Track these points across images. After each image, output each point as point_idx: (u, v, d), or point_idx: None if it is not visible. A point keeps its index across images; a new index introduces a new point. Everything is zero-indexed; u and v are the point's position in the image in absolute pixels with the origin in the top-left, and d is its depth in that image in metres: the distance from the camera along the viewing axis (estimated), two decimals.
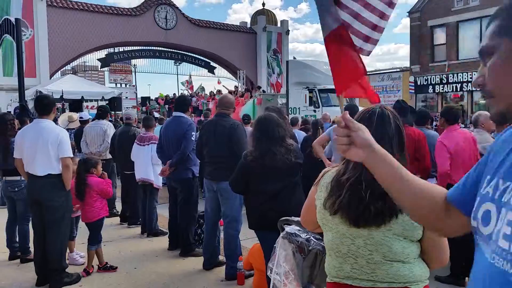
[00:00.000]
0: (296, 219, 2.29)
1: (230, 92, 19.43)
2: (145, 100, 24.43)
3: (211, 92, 22.15)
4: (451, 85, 22.07)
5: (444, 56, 22.65)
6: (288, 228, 2.40)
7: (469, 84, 21.23)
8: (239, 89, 19.53)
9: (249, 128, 7.24)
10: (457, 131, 4.55)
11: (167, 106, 21.04)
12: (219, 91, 19.34)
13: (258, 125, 3.42)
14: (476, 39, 21.62)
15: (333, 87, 15.17)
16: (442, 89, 22.44)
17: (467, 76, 21.25)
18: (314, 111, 14.52)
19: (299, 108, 15.16)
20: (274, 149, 3.25)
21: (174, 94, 22.66)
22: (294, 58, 16.84)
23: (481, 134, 4.81)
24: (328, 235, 1.72)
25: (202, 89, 23.43)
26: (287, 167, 3.25)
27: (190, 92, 23.14)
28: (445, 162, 4.35)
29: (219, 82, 23.96)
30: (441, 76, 22.37)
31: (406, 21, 24.49)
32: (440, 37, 23.10)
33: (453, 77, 21.86)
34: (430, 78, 22.79)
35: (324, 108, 13.84)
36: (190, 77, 25.27)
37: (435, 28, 23.19)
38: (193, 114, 15.90)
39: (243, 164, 3.39)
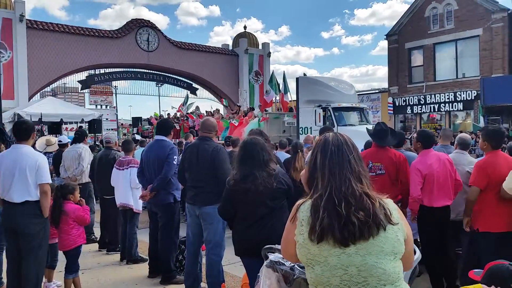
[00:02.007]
0: (279, 247, 2.23)
1: (232, 111, 19.12)
2: (136, 120, 23.16)
3: (208, 111, 21.89)
4: (428, 106, 22.55)
5: (422, 77, 23.21)
6: (272, 256, 2.34)
7: (447, 104, 21.73)
8: (242, 109, 18.72)
9: (231, 150, 7.20)
10: (431, 154, 4.53)
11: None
12: (217, 110, 18.92)
13: (242, 148, 3.38)
14: (452, 60, 22.27)
15: (348, 105, 13.94)
16: (420, 110, 22.90)
17: (444, 96, 21.77)
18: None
19: (310, 128, 13.88)
20: (256, 173, 3.20)
21: (169, 114, 21.93)
22: (305, 74, 15.85)
23: (463, 155, 4.85)
24: (316, 269, 1.63)
25: (197, 108, 22.69)
26: (269, 192, 3.19)
27: (179, 113, 22.15)
28: (417, 186, 4.36)
29: (222, 101, 23.30)
30: (419, 97, 22.86)
31: (384, 43, 25.13)
32: (417, 59, 23.72)
33: (430, 98, 22.36)
34: (408, 99, 23.27)
35: (340, 128, 12.83)
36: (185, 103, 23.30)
37: (412, 50, 23.81)
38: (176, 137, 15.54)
39: (227, 190, 3.35)
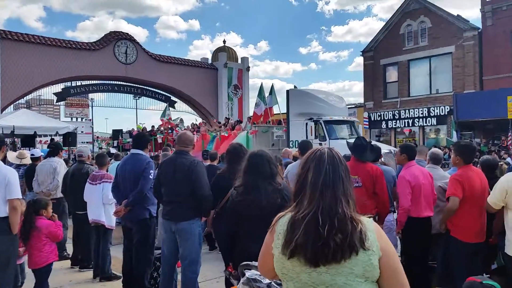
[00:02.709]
0: (256, 263, 2.20)
1: (219, 124, 18.70)
2: (117, 133, 22.17)
3: (193, 124, 21.22)
4: (403, 121, 23.02)
5: (396, 93, 23.73)
6: (248, 273, 2.31)
7: (421, 119, 22.23)
8: (230, 121, 18.34)
9: (209, 163, 7.15)
10: (415, 167, 4.75)
11: None
12: (204, 123, 18.57)
13: (248, 159, 3.30)
14: (426, 77, 22.87)
15: (340, 118, 13.69)
16: (395, 124, 23.35)
17: (418, 111, 22.27)
18: (320, 144, 12.85)
19: None
20: (261, 185, 3.12)
21: (153, 126, 21.21)
22: (295, 87, 15.49)
23: (435, 169, 5.00)
24: (289, 285, 1.65)
25: (182, 121, 22.11)
26: (273, 208, 2.99)
27: (162, 126, 21.47)
28: (407, 197, 4.49)
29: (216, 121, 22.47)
30: (393, 112, 23.32)
31: (360, 59, 25.65)
32: (392, 74, 24.27)
33: (405, 113, 22.84)
34: (383, 114, 23.71)
35: (331, 141, 12.83)
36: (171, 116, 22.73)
37: (387, 66, 24.36)
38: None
39: (231, 201, 3.25)
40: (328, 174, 1.68)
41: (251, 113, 25.91)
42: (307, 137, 12.89)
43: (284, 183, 3.34)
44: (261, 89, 16.52)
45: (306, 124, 13.46)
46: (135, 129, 21.68)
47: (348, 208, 1.63)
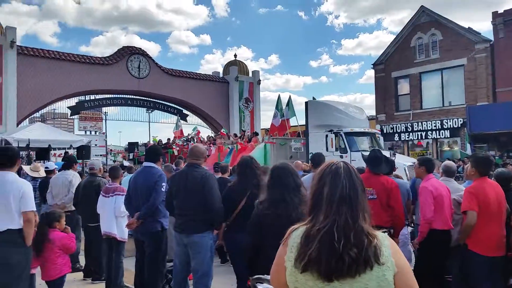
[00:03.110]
0: (268, 277, 2.20)
1: (228, 136, 18.44)
2: (132, 146, 21.98)
3: (209, 136, 21.08)
4: (416, 133, 22.85)
5: (408, 105, 23.61)
6: (260, 287, 2.31)
7: (434, 131, 22.05)
8: (246, 133, 18.08)
9: (220, 176, 7.15)
10: (434, 179, 4.76)
11: None
12: (220, 136, 18.20)
13: (272, 173, 3.34)
14: (438, 89, 22.75)
15: (361, 129, 13.54)
16: (408, 137, 23.18)
17: (431, 124, 22.10)
18: (341, 156, 12.67)
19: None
20: (287, 198, 3.14)
21: (168, 139, 20.93)
22: (314, 98, 15.20)
23: (449, 182, 4.97)
24: None
25: (194, 129, 21.94)
26: (301, 219, 3.08)
27: (178, 138, 21.24)
28: (430, 207, 4.47)
29: (222, 133, 21.99)
30: (406, 124, 23.18)
31: (371, 72, 25.64)
32: (404, 87, 24.18)
33: (417, 125, 22.68)
34: (396, 127, 23.57)
35: (353, 154, 12.41)
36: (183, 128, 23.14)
37: (398, 79, 24.30)
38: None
39: (256, 213, 3.25)
40: (345, 189, 1.68)
41: (263, 126, 25.93)
42: (327, 149, 12.83)
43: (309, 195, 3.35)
44: (278, 100, 16.26)
45: (326, 136, 13.18)
46: (151, 141, 21.57)
47: (364, 222, 1.63)
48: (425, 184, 4.67)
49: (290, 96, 16.53)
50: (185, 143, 18.37)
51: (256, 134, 17.03)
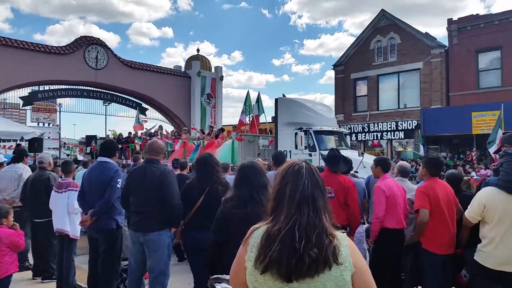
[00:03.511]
0: (227, 277, 2.16)
1: (202, 132, 18.23)
2: (90, 139, 21.00)
3: (173, 131, 20.56)
4: (372, 134, 23.50)
5: (366, 106, 24.25)
6: (219, 287, 2.27)
7: (389, 132, 22.76)
8: (214, 129, 17.68)
9: (179, 173, 7.03)
10: (390, 179, 4.87)
11: (120, 146, 17.66)
12: (185, 131, 17.78)
13: (240, 171, 3.32)
14: (394, 91, 23.49)
15: (330, 128, 13.53)
16: (364, 137, 23.80)
17: (387, 125, 22.80)
18: (310, 154, 12.74)
19: (290, 151, 13.13)
20: (256, 196, 3.11)
21: (130, 132, 20.28)
22: (284, 95, 14.99)
23: (404, 182, 5.13)
24: None
25: (161, 128, 21.34)
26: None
27: (140, 131, 20.76)
28: (382, 206, 4.57)
29: (194, 128, 21.55)
30: (363, 125, 23.79)
31: (331, 73, 26.16)
32: (362, 89, 24.81)
33: (374, 126, 23.33)
34: (353, 127, 24.14)
35: (322, 152, 12.09)
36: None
37: (357, 81, 24.90)
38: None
39: (223, 211, 3.20)
40: (307, 188, 1.67)
41: (224, 123, 25.79)
42: (296, 147, 12.86)
43: None
44: (247, 97, 16.05)
45: (296, 134, 13.06)
46: (110, 135, 20.81)
47: (326, 222, 1.63)
48: (379, 184, 4.80)
49: (259, 93, 16.44)
50: (148, 138, 17.91)
51: (223, 130, 16.68)
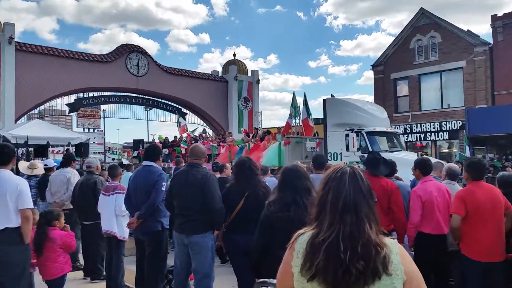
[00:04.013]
0: (274, 281, 2.18)
1: (247, 134, 17.76)
2: (137, 143, 21.39)
3: (218, 134, 20.53)
4: (415, 135, 22.86)
5: (407, 107, 23.63)
6: None
7: (433, 133, 22.08)
8: (259, 132, 17.12)
9: (219, 176, 7.11)
10: (431, 182, 4.71)
11: (166, 150, 17.70)
12: (230, 133, 17.63)
13: (283, 174, 3.31)
14: (437, 91, 22.78)
15: (383, 129, 12.89)
16: (407, 139, 23.17)
17: (430, 126, 22.13)
18: (362, 156, 11.46)
19: (340, 154, 12.60)
20: (299, 200, 3.10)
21: (175, 136, 20.27)
22: (332, 95, 14.33)
23: (452, 185, 4.95)
24: None
25: (204, 131, 21.47)
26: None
27: (181, 134, 20.74)
28: (418, 212, 4.46)
29: (245, 131, 20.91)
30: (405, 126, 23.20)
31: (369, 73, 25.65)
32: (403, 89, 24.20)
33: (416, 127, 22.70)
34: (395, 128, 23.54)
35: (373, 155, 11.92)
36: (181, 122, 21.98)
37: (398, 81, 24.32)
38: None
39: (267, 214, 3.20)
40: (349, 196, 1.62)
41: (262, 126, 25.83)
42: (347, 149, 12.34)
43: None
44: (293, 99, 15.36)
45: (347, 135, 12.41)
46: (156, 140, 20.93)
47: (371, 231, 1.58)
48: (415, 189, 4.68)
49: (305, 94, 15.58)
50: (193, 141, 18.11)
51: (269, 133, 16.09)
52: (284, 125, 15.77)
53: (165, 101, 27.05)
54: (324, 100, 13.61)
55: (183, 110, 27.69)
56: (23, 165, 9.79)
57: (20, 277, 3.89)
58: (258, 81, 30.17)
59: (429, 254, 4.48)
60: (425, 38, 22.89)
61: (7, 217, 3.81)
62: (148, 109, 28.46)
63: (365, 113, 13.13)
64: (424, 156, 9.96)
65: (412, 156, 10.01)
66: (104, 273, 6.07)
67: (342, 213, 1.60)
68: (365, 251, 1.53)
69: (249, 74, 30.16)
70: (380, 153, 11.23)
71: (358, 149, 12.14)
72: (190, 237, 4.26)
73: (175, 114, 26.31)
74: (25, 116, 22.30)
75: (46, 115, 26.37)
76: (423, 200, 4.49)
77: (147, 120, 29.89)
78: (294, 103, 15.31)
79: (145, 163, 5.23)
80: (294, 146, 13.45)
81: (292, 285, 1.67)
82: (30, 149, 15.27)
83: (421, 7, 23.33)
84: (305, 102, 15.39)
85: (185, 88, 26.48)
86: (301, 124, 15.21)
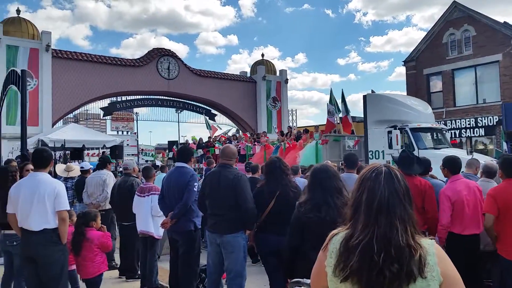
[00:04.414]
0: (308, 281, 2.17)
1: (281, 133, 17.39)
2: (172, 144, 21.89)
3: (252, 134, 20.45)
4: (449, 131, 22.22)
5: (441, 103, 23.00)
6: None
7: (468, 130, 21.41)
8: (293, 131, 16.80)
9: (250, 176, 7.14)
10: (460, 181, 4.56)
11: (200, 150, 17.82)
12: (264, 133, 17.45)
13: (312, 174, 3.27)
14: (471, 86, 22.07)
15: (429, 125, 12.34)
16: None
17: (465, 122, 21.48)
18: None
19: (382, 151, 12.00)
20: (330, 201, 3.05)
21: (209, 137, 20.45)
22: (373, 91, 13.80)
23: (489, 183, 4.78)
24: None
25: (238, 131, 21.52)
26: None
27: (214, 134, 20.90)
28: (447, 213, 4.35)
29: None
30: (439, 122, 22.55)
31: (401, 69, 25.15)
32: (436, 84, 23.57)
33: (451, 123, 22.08)
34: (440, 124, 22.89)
35: (421, 152, 10.80)
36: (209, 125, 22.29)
37: (430, 76, 23.70)
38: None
39: (298, 215, 3.17)
40: (384, 198, 1.58)
41: (296, 125, 25.59)
42: (390, 147, 11.71)
43: None
44: (331, 96, 14.79)
45: (389, 132, 11.78)
46: (190, 141, 21.07)
47: (406, 234, 1.54)
48: (443, 189, 4.56)
49: (342, 91, 14.97)
50: (228, 142, 17.85)
51: (307, 131, 15.47)
52: (324, 123, 15.37)
53: (195, 103, 27.44)
54: (364, 96, 12.99)
55: (213, 111, 28.00)
56: (60, 168, 10.14)
57: (59, 276, 4.03)
58: (286, 81, 30.11)
59: (459, 255, 4.35)
60: (459, 32, 22.22)
61: (46, 218, 3.95)
62: (179, 111, 28.96)
63: (409, 109, 12.47)
64: (468, 154, 9.48)
65: (461, 154, 9.49)
66: (139, 272, 6.21)
67: (376, 214, 1.57)
68: (400, 253, 1.50)
69: (278, 73, 30.16)
70: (426, 150, 10.85)
71: (402, 147, 11.28)
72: (223, 236, 4.31)
73: (205, 115, 26.61)
74: (61, 120, 23.10)
75: (81, 119, 27.25)
76: (452, 201, 4.37)
77: (178, 122, 30.45)
78: (332, 100, 14.78)
79: (177, 164, 5.34)
80: (332, 145, 13.01)
81: (326, 285, 1.67)
82: (67, 152, 15.76)
83: (454, 0, 22.65)
84: (343, 99, 14.85)
85: (214, 90, 26.77)
86: (338, 122, 14.77)
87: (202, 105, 27.64)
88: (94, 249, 4.45)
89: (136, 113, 30.60)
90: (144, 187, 5.90)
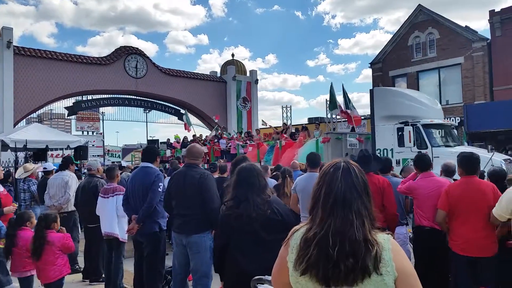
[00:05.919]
0: (269, 278, 2.17)
1: (275, 129, 16.96)
2: (152, 143, 21.27)
3: (244, 132, 20.13)
4: None
5: None
6: None
7: None
8: (289, 128, 16.35)
9: (217, 176, 7.10)
10: (429, 179, 4.72)
11: (184, 150, 17.40)
12: (258, 131, 17.21)
13: (238, 173, 3.25)
14: (435, 88, 22.78)
15: (440, 121, 11.98)
16: None
17: None
18: (419, 152, 9.73)
19: (391, 150, 11.35)
20: (250, 198, 3.05)
21: (194, 135, 20.00)
22: (379, 85, 13.40)
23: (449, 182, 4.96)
24: None
25: (225, 129, 21.00)
26: (263, 219, 2.97)
27: (188, 131, 20.62)
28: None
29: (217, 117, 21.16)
30: None
31: (368, 71, 25.71)
32: (401, 86, 24.16)
33: None
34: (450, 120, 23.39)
35: (434, 149, 10.40)
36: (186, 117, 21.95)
37: (396, 78, 24.32)
38: (221, 160, 13.77)
39: (221, 215, 3.18)
40: (340, 192, 1.61)
41: (260, 126, 25.77)
42: (399, 144, 11.12)
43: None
44: (331, 90, 13.77)
45: (399, 129, 11.18)
46: (173, 139, 20.67)
47: (362, 229, 1.55)
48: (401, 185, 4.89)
49: (343, 85, 13.86)
50: (216, 141, 17.75)
51: (306, 129, 15.02)
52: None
53: (164, 103, 27.10)
54: (371, 91, 12.28)
55: (182, 111, 27.72)
56: (19, 171, 9.73)
57: None
58: (256, 81, 30.19)
59: (425, 248, 4.54)
60: (423, 35, 22.91)
61: None
62: (147, 111, 28.52)
63: (420, 104, 11.83)
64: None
65: (482, 153, 9.07)
66: (103, 275, 6.06)
67: (332, 208, 1.59)
68: (355, 248, 1.52)
69: (248, 74, 30.20)
70: (440, 147, 10.56)
71: (414, 144, 10.87)
72: (189, 237, 4.26)
73: (174, 115, 26.36)
74: (24, 120, 22.32)
75: (45, 119, 26.40)
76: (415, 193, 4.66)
77: (146, 122, 29.96)
78: (333, 96, 13.95)
79: (142, 164, 5.25)
80: (334, 143, 12.40)
81: (287, 281, 1.68)
82: (29, 153, 15.24)
83: (419, 4, 23.34)
84: (345, 94, 13.98)
85: (184, 89, 26.53)
86: (343, 116, 14.36)
87: (171, 105, 27.34)
88: (56, 252, 4.32)
89: (103, 112, 29.92)
90: (107, 188, 5.76)
